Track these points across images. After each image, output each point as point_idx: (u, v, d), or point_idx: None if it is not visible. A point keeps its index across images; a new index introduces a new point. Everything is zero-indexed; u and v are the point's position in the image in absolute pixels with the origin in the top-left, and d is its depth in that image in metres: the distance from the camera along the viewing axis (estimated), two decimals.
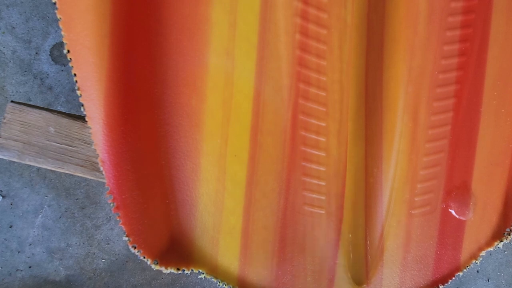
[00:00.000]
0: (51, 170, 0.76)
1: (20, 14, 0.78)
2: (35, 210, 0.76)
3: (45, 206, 0.77)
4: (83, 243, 0.77)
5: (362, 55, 0.38)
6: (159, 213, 0.37)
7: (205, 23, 0.35)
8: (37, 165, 0.39)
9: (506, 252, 0.85)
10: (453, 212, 0.42)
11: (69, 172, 0.40)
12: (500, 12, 0.39)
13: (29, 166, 0.76)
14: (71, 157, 0.39)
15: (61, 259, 0.76)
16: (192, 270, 0.38)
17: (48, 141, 0.39)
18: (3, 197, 0.76)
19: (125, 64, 0.34)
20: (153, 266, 0.37)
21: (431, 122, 0.39)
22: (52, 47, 0.79)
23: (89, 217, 0.77)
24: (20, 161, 0.39)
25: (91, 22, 0.32)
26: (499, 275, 0.85)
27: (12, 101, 0.39)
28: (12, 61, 0.77)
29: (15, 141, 0.39)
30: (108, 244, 0.77)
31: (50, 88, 0.78)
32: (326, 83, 0.37)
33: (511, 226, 0.43)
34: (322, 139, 0.38)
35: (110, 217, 0.78)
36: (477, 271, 0.84)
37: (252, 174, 0.37)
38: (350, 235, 0.41)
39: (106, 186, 0.35)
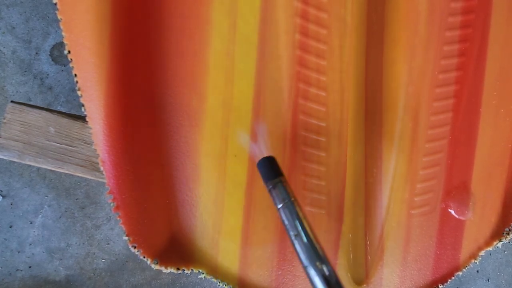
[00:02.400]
0: (51, 170, 0.76)
1: (20, 14, 0.78)
2: (35, 210, 0.76)
3: (45, 206, 0.77)
4: (83, 243, 0.77)
5: (362, 55, 0.38)
6: (159, 213, 0.37)
7: (205, 24, 0.35)
8: (37, 165, 0.39)
9: (506, 252, 0.85)
10: (452, 212, 0.42)
11: (69, 172, 0.40)
12: (500, 12, 0.39)
13: (29, 166, 0.76)
14: (71, 157, 0.39)
15: (61, 259, 0.76)
16: (192, 270, 0.39)
17: (48, 141, 0.39)
18: (3, 197, 0.76)
19: (126, 64, 0.34)
20: (153, 265, 0.37)
21: (431, 122, 0.39)
22: (52, 47, 0.79)
23: (89, 217, 0.77)
24: (20, 161, 0.39)
25: (91, 22, 0.32)
26: (499, 275, 0.85)
27: (12, 101, 0.39)
28: (12, 61, 0.77)
29: (15, 141, 0.39)
30: (108, 244, 0.77)
31: (50, 88, 0.78)
32: (326, 83, 0.37)
33: (510, 225, 0.43)
34: (322, 139, 0.38)
35: (110, 217, 0.78)
36: (477, 271, 0.84)
37: (252, 174, 0.38)
38: (350, 235, 0.41)
39: (106, 186, 0.35)
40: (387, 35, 0.37)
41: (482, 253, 0.43)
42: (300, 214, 0.30)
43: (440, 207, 0.42)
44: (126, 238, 0.36)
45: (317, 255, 0.27)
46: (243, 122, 0.37)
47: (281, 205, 0.30)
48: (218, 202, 0.38)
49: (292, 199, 0.30)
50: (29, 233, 0.76)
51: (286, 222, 0.30)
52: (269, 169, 0.32)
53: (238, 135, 0.37)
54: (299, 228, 0.29)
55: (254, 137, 0.37)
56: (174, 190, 0.38)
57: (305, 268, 0.28)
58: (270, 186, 0.32)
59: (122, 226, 0.35)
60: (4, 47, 0.77)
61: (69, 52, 0.33)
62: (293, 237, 0.29)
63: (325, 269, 0.27)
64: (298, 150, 0.38)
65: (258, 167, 0.33)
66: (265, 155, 0.33)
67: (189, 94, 0.36)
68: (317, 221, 0.39)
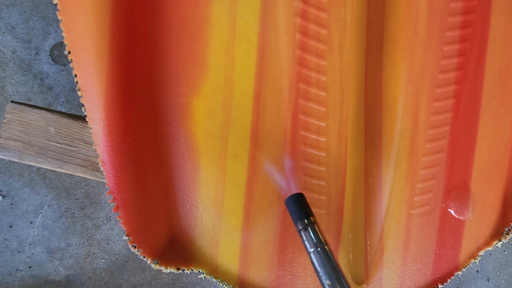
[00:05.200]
0: (51, 170, 0.76)
1: (20, 14, 0.78)
2: (35, 210, 0.76)
3: (45, 206, 0.77)
4: (83, 243, 0.77)
5: (362, 55, 0.38)
6: (159, 213, 0.37)
7: (205, 23, 0.35)
8: (37, 165, 0.39)
9: (505, 252, 0.85)
10: (452, 212, 0.42)
11: (69, 172, 0.40)
12: (499, 13, 0.39)
13: (29, 166, 0.76)
14: (71, 157, 0.39)
15: (61, 259, 0.76)
16: (192, 270, 0.39)
17: (48, 141, 0.39)
18: (3, 197, 0.76)
19: (125, 64, 0.34)
20: (153, 265, 0.37)
21: (431, 122, 0.39)
22: (52, 47, 0.79)
23: (89, 217, 0.77)
24: (20, 161, 0.39)
25: (91, 23, 0.32)
26: (498, 275, 0.85)
27: (12, 101, 0.39)
28: (12, 61, 0.77)
29: (15, 141, 0.39)
30: (108, 244, 0.78)
31: (50, 88, 0.78)
32: (326, 83, 0.37)
33: (510, 225, 0.43)
34: (323, 139, 0.38)
35: (110, 217, 0.78)
36: (477, 271, 0.84)
37: (252, 174, 0.38)
38: (350, 235, 0.41)
39: (106, 186, 0.35)
40: (387, 35, 0.37)
41: (481, 253, 0.43)
42: (333, 262, 0.29)
43: (440, 207, 0.42)
44: (126, 238, 0.36)
45: None
46: (243, 122, 0.37)
47: (313, 250, 0.30)
48: (218, 202, 0.38)
49: (324, 243, 0.30)
50: (29, 233, 0.76)
51: (319, 269, 0.29)
52: (299, 208, 0.32)
53: (265, 166, 0.36)
54: (333, 277, 0.29)
55: (281, 170, 0.36)
56: (174, 190, 0.38)
57: None
58: (301, 227, 0.31)
59: (122, 226, 0.35)
60: (4, 47, 0.77)
61: (69, 52, 0.33)
62: (326, 286, 0.29)
63: None
64: (298, 150, 0.38)
65: (286, 205, 0.32)
66: (293, 191, 0.32)
67: (189, 94, 0.36)
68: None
